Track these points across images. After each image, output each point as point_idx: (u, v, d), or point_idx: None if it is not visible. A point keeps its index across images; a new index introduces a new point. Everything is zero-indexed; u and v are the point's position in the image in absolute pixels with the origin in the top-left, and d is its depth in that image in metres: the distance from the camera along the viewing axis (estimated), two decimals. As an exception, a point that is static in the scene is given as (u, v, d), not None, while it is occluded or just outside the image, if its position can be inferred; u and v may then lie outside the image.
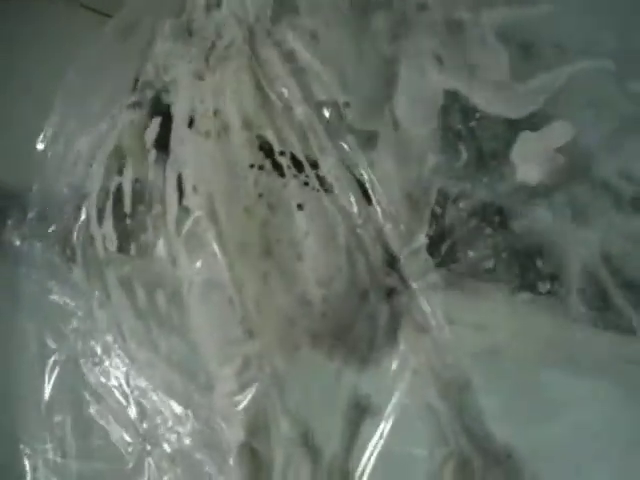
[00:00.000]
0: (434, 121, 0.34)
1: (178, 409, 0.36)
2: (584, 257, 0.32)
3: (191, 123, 0.39)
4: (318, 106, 0.37)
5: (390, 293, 0.32)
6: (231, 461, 0.31)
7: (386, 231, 0.32)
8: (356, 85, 0.37)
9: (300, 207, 0.34)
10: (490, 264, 0.31)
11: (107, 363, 0.40)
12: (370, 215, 0.33)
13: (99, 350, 0.40)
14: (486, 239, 0.31)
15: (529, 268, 0.32)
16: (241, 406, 0.32)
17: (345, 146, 0.35)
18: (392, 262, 0.32)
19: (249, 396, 0.32)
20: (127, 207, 0.40)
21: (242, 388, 0.33)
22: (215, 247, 0.34)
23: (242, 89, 0.39)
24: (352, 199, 0.34)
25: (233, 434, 0.32)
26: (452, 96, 0.35)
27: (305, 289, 0.32)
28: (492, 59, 0.35)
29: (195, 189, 0.36)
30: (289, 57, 0.38)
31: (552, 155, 0.31)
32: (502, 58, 0.35)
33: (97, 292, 0.40)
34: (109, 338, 0.39)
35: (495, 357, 0.31)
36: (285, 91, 0.38)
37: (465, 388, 0.30)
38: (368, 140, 0.36)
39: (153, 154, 0.40)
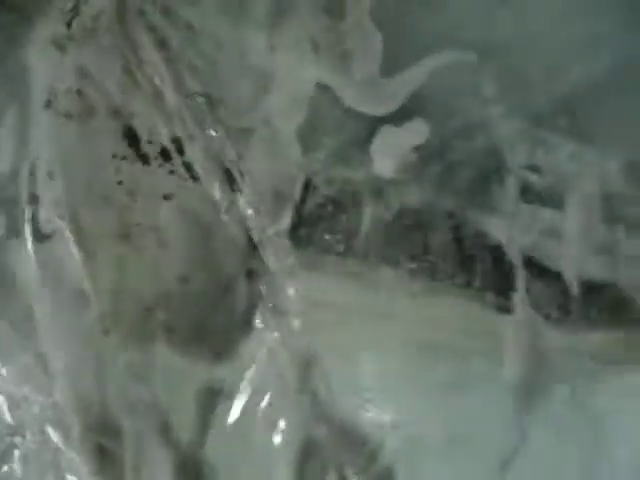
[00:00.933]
0: (302, 115, 0.35)
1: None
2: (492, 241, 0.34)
3: (49, 103, 0.36)
4: (190, 97, 0.36)
5: (251, 275, 0.32)
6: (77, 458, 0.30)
7: (249, 218, 0.33)
8: (232, 80, 0.37)
9: (166, 197, 0.33)
10: (342, 248, 0.32)
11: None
12: (235, 203, 0.33)
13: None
14: (341, 224, 0.33)
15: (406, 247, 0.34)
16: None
17: (215, 136, 0.35)
18: (254, 247, 0.33)
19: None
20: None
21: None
22: (69, 237, 0.32)
23: (109, 71, 0.37)
24: (217, 188, 0.33)
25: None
26: (322, 90, 0.36)
27: (165, 278, 0.31)
28: (366, 46, 0.37)
29: (51, 175, 0.34)
30: (162, 44, 0.38)
31: (406, 152, 0.34)
32: (376, 45, 0.37)
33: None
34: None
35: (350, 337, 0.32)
36: (157, 78, 0.37)
37: (315, 364, 0.31)
38: (241, 133, 0.36)
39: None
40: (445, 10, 0.37)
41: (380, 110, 0.36)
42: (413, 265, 0.33)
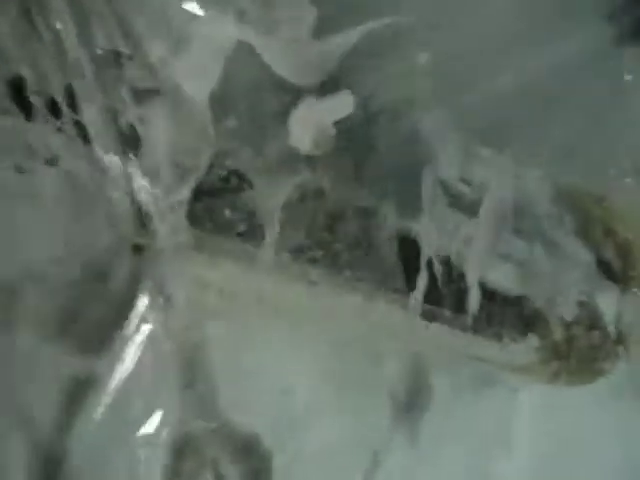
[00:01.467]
0: (216, 78, 0.32)
1: None
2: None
3: None
4: (93, 51, 0.32)
5: (137, 253, 0.29)
6: None
7: (142, 189, 0.29)
8: (143, 37, 0.33)
9: (50, 160, 0.29)
10: (242, 227, 0.29)
11: None
12: (128, 171, 0.29)
13: None
14: (240, 202, 0.29)
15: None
16: None
17: (115, 95, 0.31)
18: (143, 223, 0.29)
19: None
20: None
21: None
22: None
23: (3, 12, 0.33)
24: (110, 152, 0.30)
25: None
26: (242, 50, 0.32)
27: (36, 257, 0.27)
28: (298, 13, 0.34)
29: None
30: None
31: (325, 126, 0.31)
32: (309, 13, 0.34)
33: None
34: None
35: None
36: (59, 27, 0.33)
37: (200, 348, 0.28)
38: (146, 94, 0.32)
39: None
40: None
41: (305, 77, 0.33)
42: (316, 253, 0.31)
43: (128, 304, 0.28)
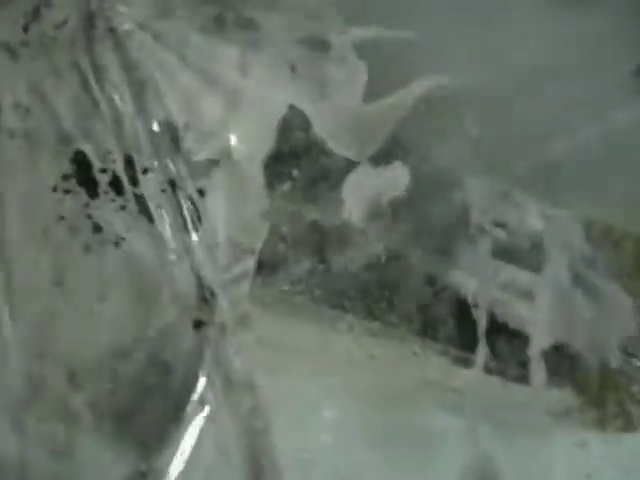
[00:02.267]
0: (271, 144, 0.32)
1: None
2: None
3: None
4: (150, 123, 0.33)
5: (198, 327, 0.29)
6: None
7: (204, 264, 0.30)
8: (198, 104, 0.34)
9: (117, 244, 0.30)
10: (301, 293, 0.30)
11: None
12: (189, 247, 0.30)
13: None
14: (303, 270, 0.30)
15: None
16: None
17: (174, 171, 0.32)
18: (206, 297, 0.29)
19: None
20: None
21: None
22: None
23: (65, 90, 0.34)
24: (171, 229, 0.30)
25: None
26: (294, 115, 0.33)
27: (100, 347, 0.28)
28: (349, 76, 0.34)
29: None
30: (130, 66, 0.34)
31: (378, 200, 0.31)
32: (360, 72, 0.34)
33: None
34: None
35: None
36: (117, 99, 0.34)
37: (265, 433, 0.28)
38: (203, 166, 0.33)
39: None
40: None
41: (357, 147, 0.33)
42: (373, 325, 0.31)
43: (189, 389, 0.28)
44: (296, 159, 0.33)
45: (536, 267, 0.36)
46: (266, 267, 0.30)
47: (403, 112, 0.32)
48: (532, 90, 0.35)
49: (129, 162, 0.32)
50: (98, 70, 0.35)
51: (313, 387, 0.32)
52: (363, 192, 0.31)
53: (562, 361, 0.36)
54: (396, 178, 0.33)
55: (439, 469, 0.34)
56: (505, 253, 0.35)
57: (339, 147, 0.32)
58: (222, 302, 0.29)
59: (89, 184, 0.31)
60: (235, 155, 0.32)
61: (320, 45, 0.36)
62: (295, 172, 0.33)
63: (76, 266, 0.28)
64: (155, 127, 0.33)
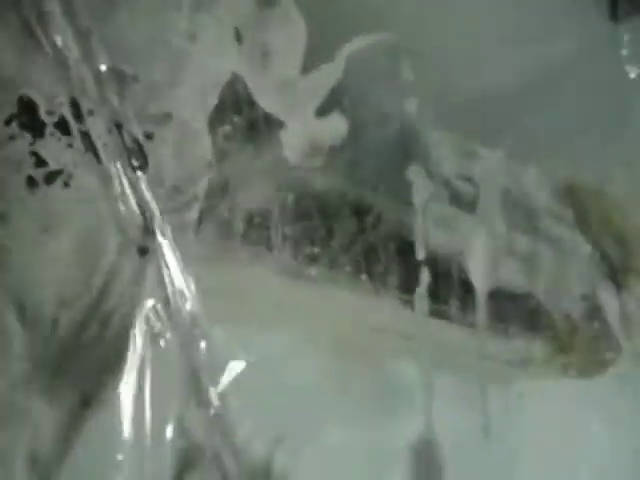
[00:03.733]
0: (210, 108, 0.33)
1: None
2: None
3: None
4: (97, 69, 0.34)
5: (142, 254, 0.30)
6: None
7: (150, 202, 0.31)
8: (146, 59, 0.35)
9: (64, 180, 0.31)
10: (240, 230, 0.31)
11: None
12: (136, 184, 0.31)
13: None
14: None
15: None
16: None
17: (121, 113, 0.33)
18: (152, 229, 0.31)
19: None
20: None
21: None
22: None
23: (6, 33, 0.34)
24: (119, 166, 0.31)
25: None
26: (237, 81, 0.34)
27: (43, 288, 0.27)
28: (290, 40, 0.36)
29: None
30: (72, 14, 0.35)
31: (319, 143, 0.33)
32: (300, 40, 0.35)
33: None
34: None
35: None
36: (61, 45, 0.34)
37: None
38: (152, 116, 0.34)
39: None
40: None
41: (294, 113, 0.35)
42: (315, 251, 0.33)
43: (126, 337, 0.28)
44: (237, 111, 0.35)
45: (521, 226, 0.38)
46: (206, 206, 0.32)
47: (336, 78, 0.34)
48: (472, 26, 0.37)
49: (75, 104, 0.33)
50: (41, 15, 0.35)
51: (267, 337, 0.32)
52: (301, 138, 0.33)
53: (528, 309, 0.37)
54: (335, 128, 0.35)
55: (397, 423, 0.34)
56: (467, 204, 0.37)
57: (278, 115, 0.34)
58: (166, 233, 0.31)
59: (34, 126, 0.31)
60: (182, 110, 0.33)
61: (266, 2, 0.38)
62: (236, 118, 0.35)
63: (21, 201, 0.29)
64: (102, 70, 0.33)
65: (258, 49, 0.35)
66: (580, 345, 0.41)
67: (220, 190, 0.32)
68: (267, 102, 0.34)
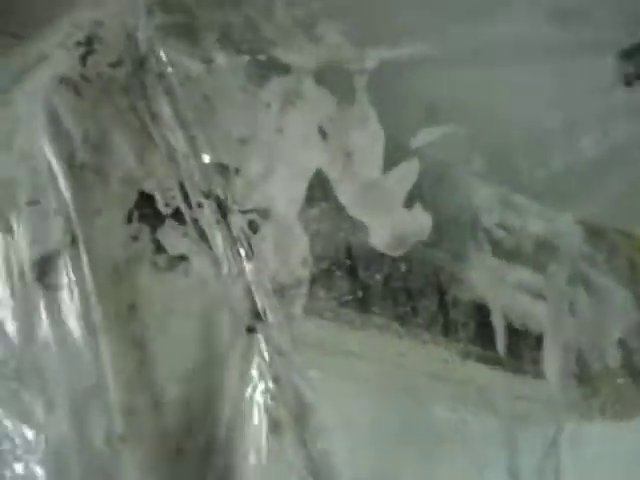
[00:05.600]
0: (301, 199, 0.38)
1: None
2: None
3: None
4: (202, 162, 0.38)
5: (250, 332, 0.34)
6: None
7: (256, 286, 0.36)
8: (244, 155, 0.39)
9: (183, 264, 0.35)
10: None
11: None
12: (242, 270, 0.36)
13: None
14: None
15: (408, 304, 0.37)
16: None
17: (227, 205, 0.38)
18: (258, 312, 0.35)
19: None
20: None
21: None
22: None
23: (127, 131, 0.39)
24: (225, 253, 0.36)
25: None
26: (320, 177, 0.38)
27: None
28: (370, 142, 0.40)
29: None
30: (180, 111, 0.40)
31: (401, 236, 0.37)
32: (378, 144, 0.39)
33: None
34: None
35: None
36: (171, 141, 0.39)
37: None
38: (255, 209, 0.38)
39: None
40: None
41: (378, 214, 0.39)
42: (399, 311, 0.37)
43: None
44: (324, 206, 0.39)
45: (542, 268, 0.40)
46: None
47: (416, 174, 0.38)
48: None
49: (186, 196, 0.37)
50: (154, 115, 0.40)
51: (352, 384, 0.35)
52: (387, 232, 0.38)
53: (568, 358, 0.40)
54: (419, 223, 0.39)
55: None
56: (510, 255, 0.40)
57: (358, 214, 0.38)
58: (271, 317, 0.35)
59: (154, 217, 0.36)
60: (277, 203, 0.38)
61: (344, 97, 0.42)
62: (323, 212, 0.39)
63: (148, 289, 0.34)
64: (207, 164, 0.38)
65: (341, 149, 0.39)
66: (616, 388, 0.42)
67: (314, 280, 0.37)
68: (351, 203, 0.38)
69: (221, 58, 0.43)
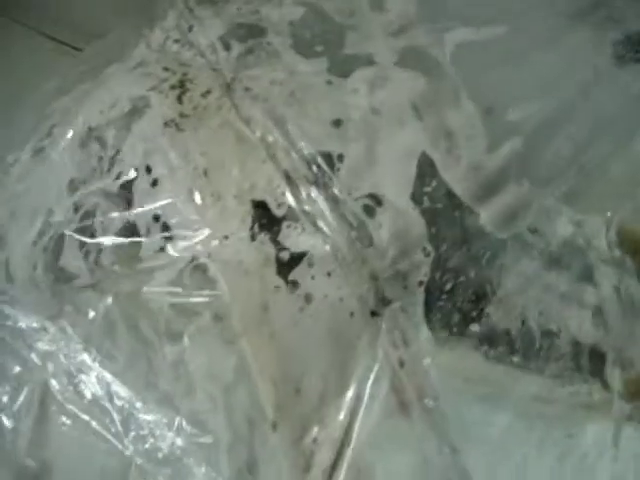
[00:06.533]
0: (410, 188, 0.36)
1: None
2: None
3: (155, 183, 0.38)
4: (303, 154, 0.38)
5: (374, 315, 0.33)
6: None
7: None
8: (343, 141, 0.38)
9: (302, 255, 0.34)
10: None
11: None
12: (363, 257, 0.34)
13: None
14: None
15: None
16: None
17: (337, 193, 0.36)
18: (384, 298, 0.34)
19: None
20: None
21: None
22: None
23: (226, 151, 0.39)
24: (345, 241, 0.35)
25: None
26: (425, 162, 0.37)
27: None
28: (466, 124, 0.38)
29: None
30: (272, 112, 0.40)
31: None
32: (476, 123, 0.38)
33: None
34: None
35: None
36: (270, 139, 0.39)
37: None
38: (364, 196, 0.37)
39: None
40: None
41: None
42: None
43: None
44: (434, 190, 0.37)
45: (587, 276, 0.37)
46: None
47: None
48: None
49: (295, 191, 0.36)
50: (247, 121, 0.40)
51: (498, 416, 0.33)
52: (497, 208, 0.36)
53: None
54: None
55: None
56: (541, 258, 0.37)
57: (467, 199, 0.36)
58: (395, 301, 0.33)
59: (271, 222, 0.36)
60: (388, 192, 0.36)
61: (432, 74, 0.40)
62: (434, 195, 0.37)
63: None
64: (308, 154, 0.37)
65: (441, 129, 0.37)
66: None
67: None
68: (459, 188, 0.36)
69: (301, 65, 0.43)
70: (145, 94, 0.44)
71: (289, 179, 0.37)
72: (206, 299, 0.34)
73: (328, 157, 0.37)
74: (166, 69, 0.46)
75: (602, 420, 0.36)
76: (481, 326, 0.35)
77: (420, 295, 0.34)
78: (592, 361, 0.36)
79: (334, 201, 0.36)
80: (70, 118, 0.45)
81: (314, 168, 0.37)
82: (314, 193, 0.36)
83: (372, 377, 0.33)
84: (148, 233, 0.37)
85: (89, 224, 0.39)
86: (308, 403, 0.32)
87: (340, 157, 0.37)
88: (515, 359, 0.35)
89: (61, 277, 0.40)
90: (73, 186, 0.42)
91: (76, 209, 0.41)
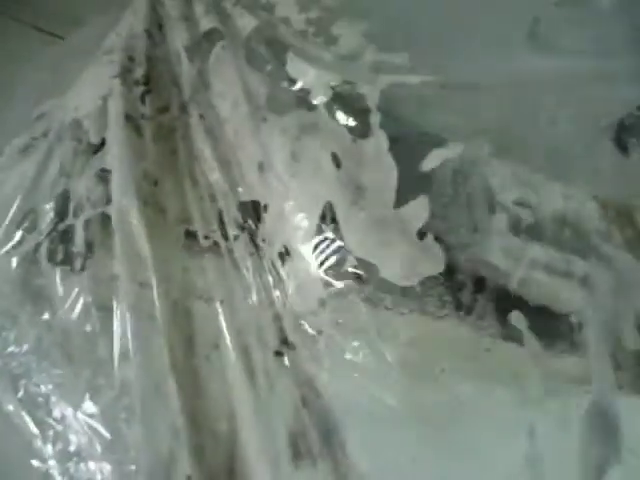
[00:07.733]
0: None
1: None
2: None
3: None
4: (238, 199, 0.43)
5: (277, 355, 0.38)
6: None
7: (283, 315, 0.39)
8: (270, 190, 0.42)
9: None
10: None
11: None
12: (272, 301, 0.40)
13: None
14: None
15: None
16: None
17: (259, 239, 0.42)
18: (286, 340, 0.39)
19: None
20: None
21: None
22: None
23: (173, 178, 0.44)
24: (259, 283, 0.40)
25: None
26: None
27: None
28: (383, 177, 0.40)
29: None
30: (219, 152, 0.44)
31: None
32: (391, 179, 0.40)
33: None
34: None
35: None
36: (211, 179, 0.44)
37: None
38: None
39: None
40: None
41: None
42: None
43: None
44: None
45: (561, 244, 0.39)
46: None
47: (427, 211, 0.39)
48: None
49: (224, 232, 0.42)
50: (195, 157, 0.45)
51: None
52: (398, 264, 0.38)
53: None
54: (432, 258, 0.39)
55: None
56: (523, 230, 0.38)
57: (363, 254, 0.38)
58: (297, 342, 0.39)
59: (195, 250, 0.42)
60: (296, 242, 0.40)
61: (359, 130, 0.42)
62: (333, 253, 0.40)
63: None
64: (242, 202, 0.42)
65: (353, 181, 0.40)
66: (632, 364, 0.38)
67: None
68: (356, 242, 0.39)
69: (242, 99, 0.45)
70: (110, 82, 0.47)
71: (221, 219, 0.42)
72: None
73: (257, 206, 0.42)
74: (131, 59, 0.49)
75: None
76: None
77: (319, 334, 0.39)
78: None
79: (255, 245, 0.41)
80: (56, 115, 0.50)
81: (244, 214, 0.42)
82: (240, 235, 0.42)
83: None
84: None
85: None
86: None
87: (265, 208, 0.42)
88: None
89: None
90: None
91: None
